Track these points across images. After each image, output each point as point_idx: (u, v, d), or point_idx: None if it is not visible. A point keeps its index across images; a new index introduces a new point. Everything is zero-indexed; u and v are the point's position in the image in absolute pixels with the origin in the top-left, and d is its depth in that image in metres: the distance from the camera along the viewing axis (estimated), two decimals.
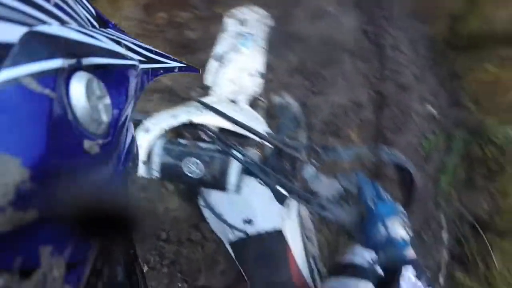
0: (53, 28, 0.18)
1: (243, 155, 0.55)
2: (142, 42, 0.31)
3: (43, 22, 0.18)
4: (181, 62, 0.40)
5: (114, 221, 0.19)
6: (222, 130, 0.57)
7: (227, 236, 0.61)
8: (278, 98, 0.74)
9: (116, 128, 0.21)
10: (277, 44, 1.70)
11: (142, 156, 0.53)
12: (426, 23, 2.30)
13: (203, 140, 0.57)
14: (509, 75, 1.98)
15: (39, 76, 0.16)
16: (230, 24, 0.76)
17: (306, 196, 0.57)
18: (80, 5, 0.25)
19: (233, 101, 0.63)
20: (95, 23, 0.27)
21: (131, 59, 0.25)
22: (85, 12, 0.25)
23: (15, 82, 0.15)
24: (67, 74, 0.18)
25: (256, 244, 0.60)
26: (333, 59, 1.88)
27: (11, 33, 0.16)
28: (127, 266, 0.29)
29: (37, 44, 0.16)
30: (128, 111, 0.24)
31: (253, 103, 0.69)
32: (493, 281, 1.46)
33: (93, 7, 0.28)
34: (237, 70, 0.69)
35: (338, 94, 1.76)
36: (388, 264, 0.50)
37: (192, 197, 0.64)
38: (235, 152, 0.54)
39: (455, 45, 2.13)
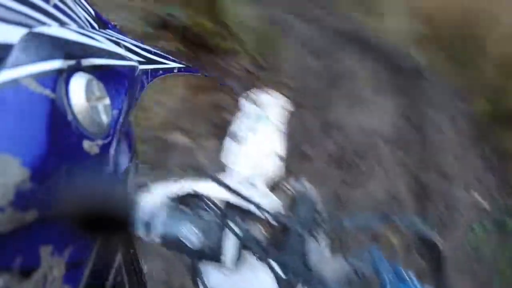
0: (53, 29, 0.18)
1: (242, 229, 0.54)
2: (141, 43, 0.31)
3: (43, 24, 0.18)
4: (180, 63, 0.41)
5: (114, 221, 0.19)
6: (229, 204, 0.57)
7: None
8: (295, 183, 0.73)
9: (115, 128, 0.21)
10: (314, 133, 1.71)
11: (143, 217, 0.54)
12: (467, 100, 2.22)
13: (206, 210, 0.58)
14: None
15: (39, 77, 0.16)
16: (247, 105, 0.77)
17: (309, 280, 0.52)
18: (80, 6, 0.25)
19: (249, 181, 0.64)
20: (94, 24, 0.27)
21: (131, 59, 0.25)
22: (84, 13, 0.25)
23: (15, 83, 0.15)
24: (66, 74, 0.18)
25: None
26: (370, 148, 1.79)
27: (11, 34, 0.16)
28: (127, 266, 0.29)
29: (37, 45, 0.16)
30: (128, 111, 0.24)
31: (275, 187, 0.68)
32: None
33: (93, 8, 0.28)
34: (253, 150, 0.69)
35: (375, 186, 1.65)
36: None
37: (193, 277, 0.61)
38: (232, 224, 0.54)
39: (499, 120, 2.00)
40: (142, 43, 0.31)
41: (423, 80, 2.31)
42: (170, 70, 0.38)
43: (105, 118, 0.20)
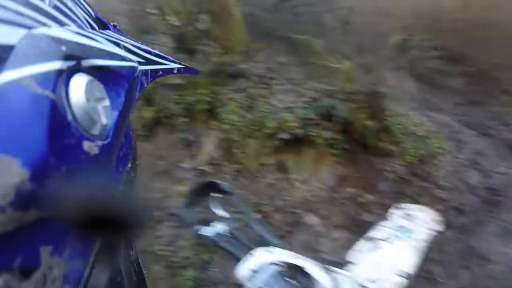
0: (53, 30, 0.18)
1: None
2: (141, 44, 0.31)
3: (43, 24, 0.18)
4: (180, 63, 0.41)
5: (114, 222, 0.19)
6: None
7: None
8: None
9: (115, 129, 0.22)
10: (452, 257, 1.55)
11: (252, 265, 0.61)
12: None
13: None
14: None
15: (39, 78, 0.16)
16: (394, 215, 0.76)
17: None
18: (80, 7, 0.25)
19: (363, 286, 0.63)
20: (94, 25, 0.27)
21: (130, 60, 0.26)
22: (84, 14, 0.25)
23: (15, 84, 0.15)
24: (66, 75, 0.18)
25: None
26: None
27: (11, 35, 0.16)
28: (127, 267, 0.29)
29: (37, 46, 0.16)
30: (128, 112, 0.25)
31: None
32: None
33: (92, 9, 0.28)
34: (382, 260, 0.67)
35: None
36: None
37: None
38: None
39: None
40: None
41: None
42: (170, 70, 0.38)
43: (105, 119, 0.20)
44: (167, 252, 2.01)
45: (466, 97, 2.57)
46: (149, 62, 0.32)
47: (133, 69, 0.25)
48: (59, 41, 0.18)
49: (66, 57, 0.18)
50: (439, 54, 2.69)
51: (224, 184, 0.74)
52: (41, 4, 0.19)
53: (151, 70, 0.32)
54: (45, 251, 0.16)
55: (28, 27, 0.17)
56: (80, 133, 0.18)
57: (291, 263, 0.61)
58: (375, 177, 1.92)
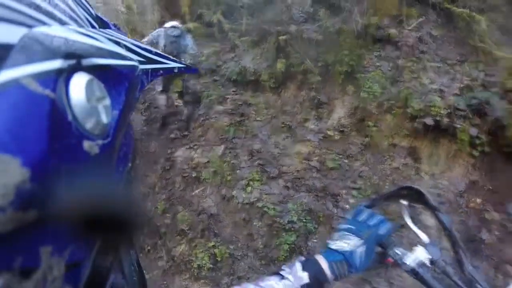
0: (53, 29, 0.18)
1: None
2: (141, 43, 0.31)
3: (43, 23, 0.18)
4: (180, 63, 0.40)
5: (114, 221, 0.19)
6: None
7: None
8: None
9: (115, 128, 0.21)
10: None
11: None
12: None
13: None
14: None
15: (39, 77, 0.16)
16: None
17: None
18: (80, 6, 0.25)
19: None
20: (94, 24, 0.27)
21: (131, 59, 0.25)
22: (85, 13, 0.25)
23: (16, 83, 0.15)
24: (67, 74, 0.18)
25: None
26: None
27: (11, 34, 0.16)
28: (127, 266, 0.29)
29: (37, 45, 0.16)
30: (128, 111, 0.24)
31: None
32: None
33: (93, 8, 0.28)
34: None
35: None
36: None
37: None
38: None
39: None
40: None
41: None
42: (170, 70, 0.38)
43: (105, 118, 0.20)
44: (274, 211, 1.86)
45: None
46: (150, 61, 0.32)
47: (133, 68, 0.25)
48: (60, 40, 0.18)
49: (67, 56, 0.18)
50: None
51: (429, 197, 0.59)
52: (42, 3, 0.19)
53: (152, 69, 0.32)
54: (45, 251, 0.16)
55: (29, 26, 0.17)
56: (80, 133, 0.18)
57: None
58: (508, 195, 1.71)
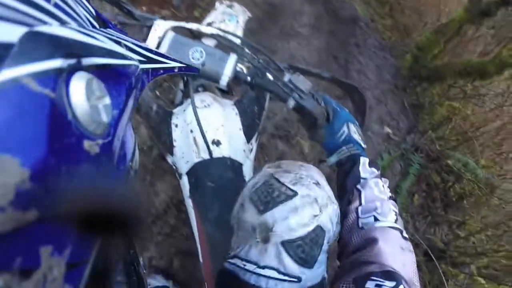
0: (53, 28, 0.18)
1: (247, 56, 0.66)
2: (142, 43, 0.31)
3: (43, 22, 0.18)
4: (180, 62, 0.40)
5: (114, 221, 0.19)
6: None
7: (191, 158, 0.66)
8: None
9: (116, 128, 0.21)
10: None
11: (152, 44, 0.63)
12: (395, 56, 2.42)
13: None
14: (470, 107, 2.06)
15: (39, 76, 0.16)
16: (220, 6, 0.92)
17: (290, 87, 0.63)
18: (80, 5, 0.25)
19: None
20: (95, 23, 0.27)
21: (131, 59, 0.25)
22: (85, 12, 0.25)
23: (15, 82, 0.15)
24: (67, 74, 0.18)
25: (217, 166, 0.66)
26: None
27: (11, 33, 0.16)
28: (127, 266, 0.29)
29: (37, 44, 0.16)
30: (128, 111, 0.24)
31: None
32: None
33: (93, 7, 0.28)
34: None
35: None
36: (349, 157, 0.61)
37: (166, 117, 0.70)
38: (236, 48, 0.66)
39: (420, 76, 2.20)
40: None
41: (359, 29, 2.43)
42: (171, 69, 0.38)
43: (105, 118, 0.20)
44: None
45: None
46: (150, 60, 0.32)
47: (134, 67, 0.25)
48: (60, 39, 0.18)
49: (67, 55, 0.18)
50: None
51: None
52: (41, 2, 0.19)
53: (152, 68, 0.32)
54: (45, 251, 0.16)
55: (29, 25, 0.17)
56: (80, 132, 0.18)
57: (177, 25, 0.64)
58: None
